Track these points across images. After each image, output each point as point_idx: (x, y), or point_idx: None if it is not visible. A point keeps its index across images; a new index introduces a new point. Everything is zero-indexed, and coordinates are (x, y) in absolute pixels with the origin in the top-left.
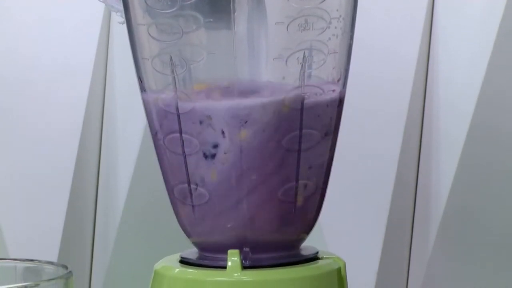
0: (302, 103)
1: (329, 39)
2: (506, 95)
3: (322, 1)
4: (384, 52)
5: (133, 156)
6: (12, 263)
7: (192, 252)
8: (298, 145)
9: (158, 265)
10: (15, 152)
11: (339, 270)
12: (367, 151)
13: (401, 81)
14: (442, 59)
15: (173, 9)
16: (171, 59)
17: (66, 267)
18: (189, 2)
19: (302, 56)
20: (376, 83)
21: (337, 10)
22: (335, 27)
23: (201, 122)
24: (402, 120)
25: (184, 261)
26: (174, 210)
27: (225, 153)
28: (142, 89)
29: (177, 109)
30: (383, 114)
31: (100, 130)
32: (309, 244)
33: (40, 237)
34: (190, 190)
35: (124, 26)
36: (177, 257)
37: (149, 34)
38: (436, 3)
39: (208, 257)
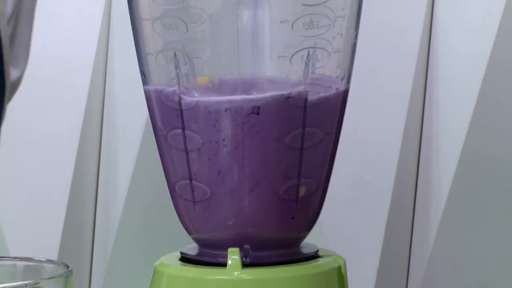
0: (306, 101)
1: (334, 37)
2: (506, 92)
3: (327, 0)
4: (384, 52)
5: (133, 155)
6: (12, 262)
7: (192, 248)
8: (300, 143)
9: (158, 263)
10: (16, 152)
11: (339, 268)
12: (368, 150)
13: (401, 80)
14: (442, 58)
15: (178, 5)
16: (175, 54)
17: (66, 266)
18: None
19: (306, 54)
20: (376, 83)
21: (342, 9)
22: (340, 26)
23: (203, 119)
24: (402, 119)
25: (184, 258)
26: (175, 206)
27: (227, 149)
28: (145, 84)
29: (180, 105)
30: (384, 113)
31: (100, 129)
32: (310, 242)
33: (40, 236)
34: (192, 186)
35: (125, 23)
36: (177, 255)
37: (154, 29)
38: (436, 3)
39: (209, 253)
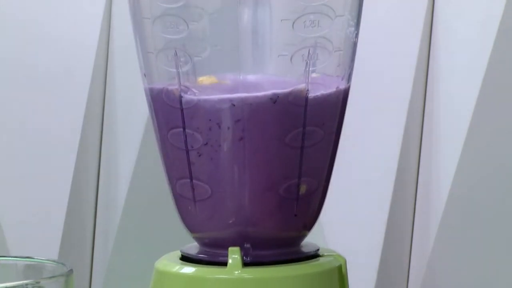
0: (306, 100)
1: (334, 36)
2: (506, 93)
3: None
4: (384, 52)
5: (134, 154)
6: (12, 261)
7: (192, 247)
8: (301, 142)
9: (158, 263)
10: (16, 151)
11: (340, 268)
12: (368, 149)
13: (402, 80)
14: (443, 58)
15: (179, 3)
16: (175, 53)
17: (67, 265)
18: None
19: (307, 53)
20: (376, 82)
21: (343, 8)
22: (341, 25)
23: (204, 117)
24: (402, 118)
25: (184, 257)
26: (176, 205)
27: (227, 148)
28: (146, 83)
29: (181, 103)
30: (384, 113)
31: (100, 129)
32: (310, 241)
33: (41, 235)
34: (192, 185)
35: (126, 22)
36: (178, 254)
37: (154, 28)
38: (436, 3)
39: (209, 252)
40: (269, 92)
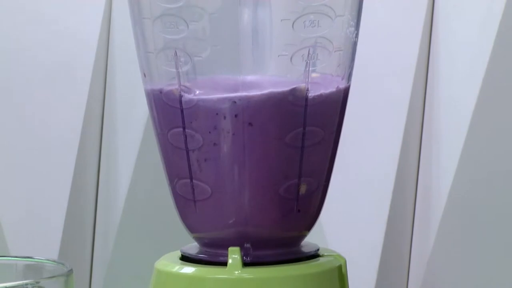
0: (306, 100)
1: (334, 36)
2: (506, 93)
3: None
4: (384, 52)
5: (134, 153)
6: (12, 261)
7: (192, 247)
8: (301, 142)
9: (158, 263)
10: (16, 151)
11: (340, 268)
12: (368, 149)
13: (402, 80)
14: (443, 58)
15: (179, 3)
16: (175, 53)
17: (67, 265)
18: None
19: (307, 53)
20: (376, 82)
21: (343, 8)
22: (341, 25)
23: (204, 117)
24: (402, 118)
25: (184, 257)
26: (176, 205)
27: (227, 148)
28: (146, 83)
29: (181, 103)
30: (384, 113)
31: (100, 129)
32: (310, 241)
33: (41, 235)
34: (192, 185)
35: (125, 22)
36: (178, 254)
37: (154, 28)
38: (436, 3)
39: (209, 252)
40: (268, 91)
